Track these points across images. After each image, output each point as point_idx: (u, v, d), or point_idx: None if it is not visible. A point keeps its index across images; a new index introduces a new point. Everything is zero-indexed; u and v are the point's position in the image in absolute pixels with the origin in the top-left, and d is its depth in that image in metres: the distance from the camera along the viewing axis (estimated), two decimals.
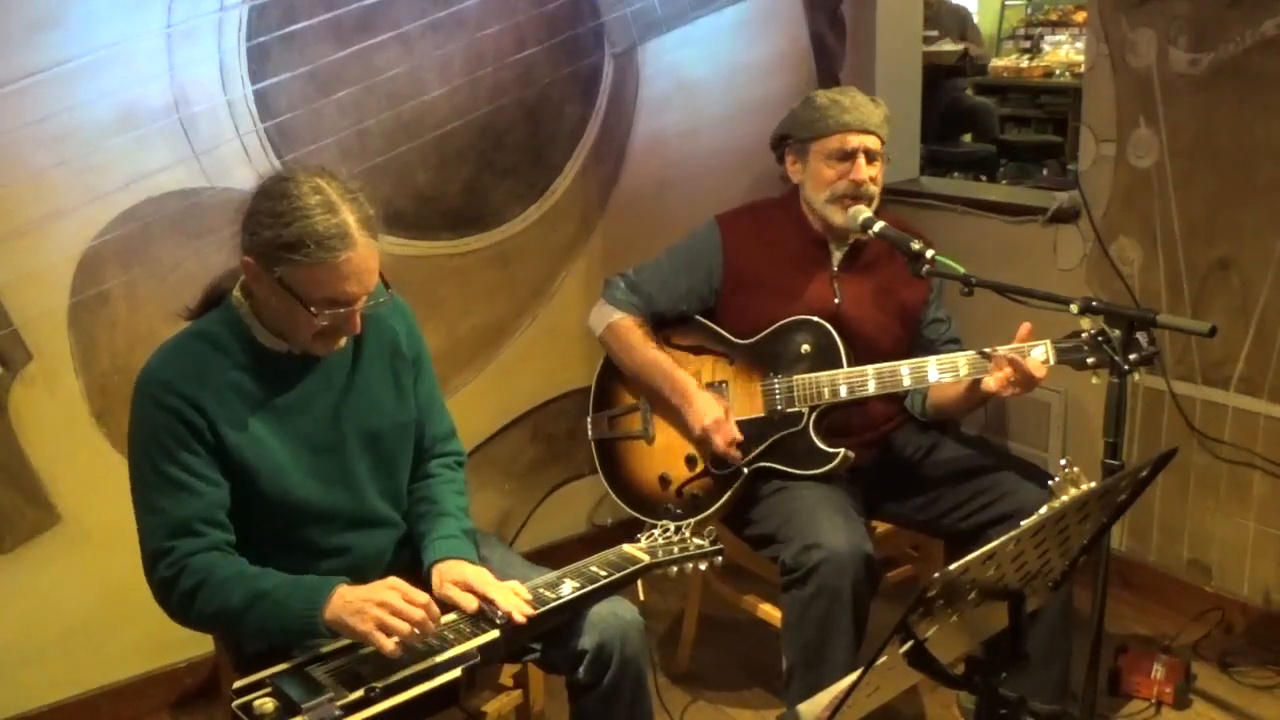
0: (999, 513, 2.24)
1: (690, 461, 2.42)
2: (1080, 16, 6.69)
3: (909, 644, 1.34)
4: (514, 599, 1.73)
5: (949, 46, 5.91)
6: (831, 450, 2.29)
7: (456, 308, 2.90)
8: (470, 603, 1.75)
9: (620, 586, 1.87)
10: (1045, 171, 5.74)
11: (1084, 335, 2.05)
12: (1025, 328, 2.14)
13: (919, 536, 2.56)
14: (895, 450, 2.48)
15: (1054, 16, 7.17)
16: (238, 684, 1.59)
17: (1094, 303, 1.96)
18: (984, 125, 6.08)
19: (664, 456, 2.46)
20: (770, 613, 2.43)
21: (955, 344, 2.43)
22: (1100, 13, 2.88)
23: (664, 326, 2.50)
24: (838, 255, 2.43)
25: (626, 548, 1.96)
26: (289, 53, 2.52)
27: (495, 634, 1.69)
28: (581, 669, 1.82)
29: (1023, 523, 1.38)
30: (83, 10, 2.29)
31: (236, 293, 1.79)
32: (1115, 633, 2.80)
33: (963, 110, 6.04)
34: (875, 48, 3.43)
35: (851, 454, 2.30)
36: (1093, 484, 1.59)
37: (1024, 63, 6.68)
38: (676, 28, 3.10)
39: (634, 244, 2.99)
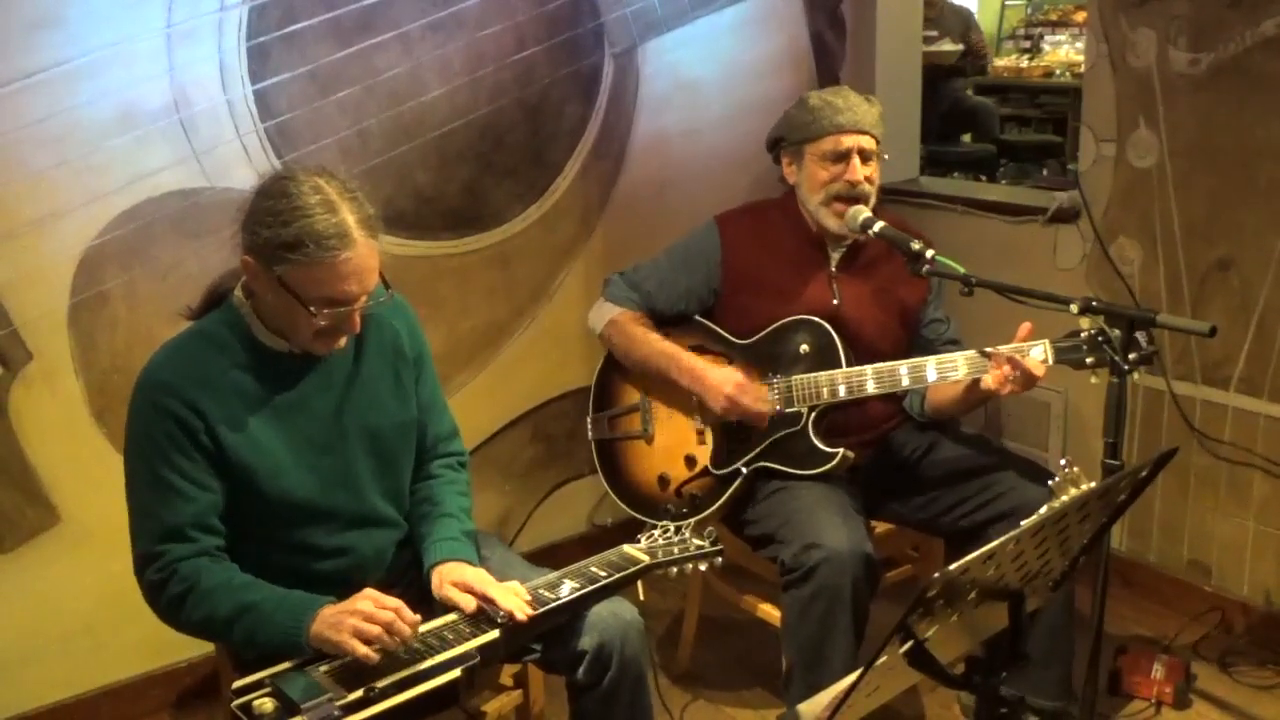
0: (999, 511, 2.24)
1: (690, 461, 2.42)
2: (1080, 16, 6.69)
3: (909, 644, 1.34)
4: (514, 599, 1.73)
5: (949, 46, 5.91)
6: (831, 450, 2.29)
7: (456, 308, 2.90)
8: (469, 603, 1.75)
9: (620, 587, 1.87)
10: (1045, 171, 5.74)
11: (1083, 335, 2.05)
12: (1025, 327, 2.14)
13: (919, 536, 2.56)
14: (894, 450, 2.48)
15: (1054, 16, 7.18)
16: (237, 684, 1.59)
17: (1094, 303, 1.96)
18: (984, 125, 6.09)
19: (663, 456, 2.46)
20: (770, 612, 2.43)
21: (954, 344, 2.43)
22: (1100, 13, 2.88)
23: (663, 327, 2.50)
24: (836, 256, 2.43)
25: (626, 548, 1.96)
26: (289, 53, 2.52)
27: (495, 634, 1.69)
28: (581, 669, 1.82)
29: (1023, 523, 1.38)
30: (83, 10, 2.29)
31: (238, 292, 1.79)
32: (1115, 633, 2.80)
33: (963, 110, 6.04)
34: (875, 48, 3.43)
35: (851, 454, 2.30)
36: (1093, 484, 1.59)
37: (1024, 63, 6.69)
38: (676, 28, 3.10)
39: (634, 244, 2.99)
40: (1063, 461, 1.65)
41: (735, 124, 3.23)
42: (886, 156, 2.43)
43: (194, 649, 2.63)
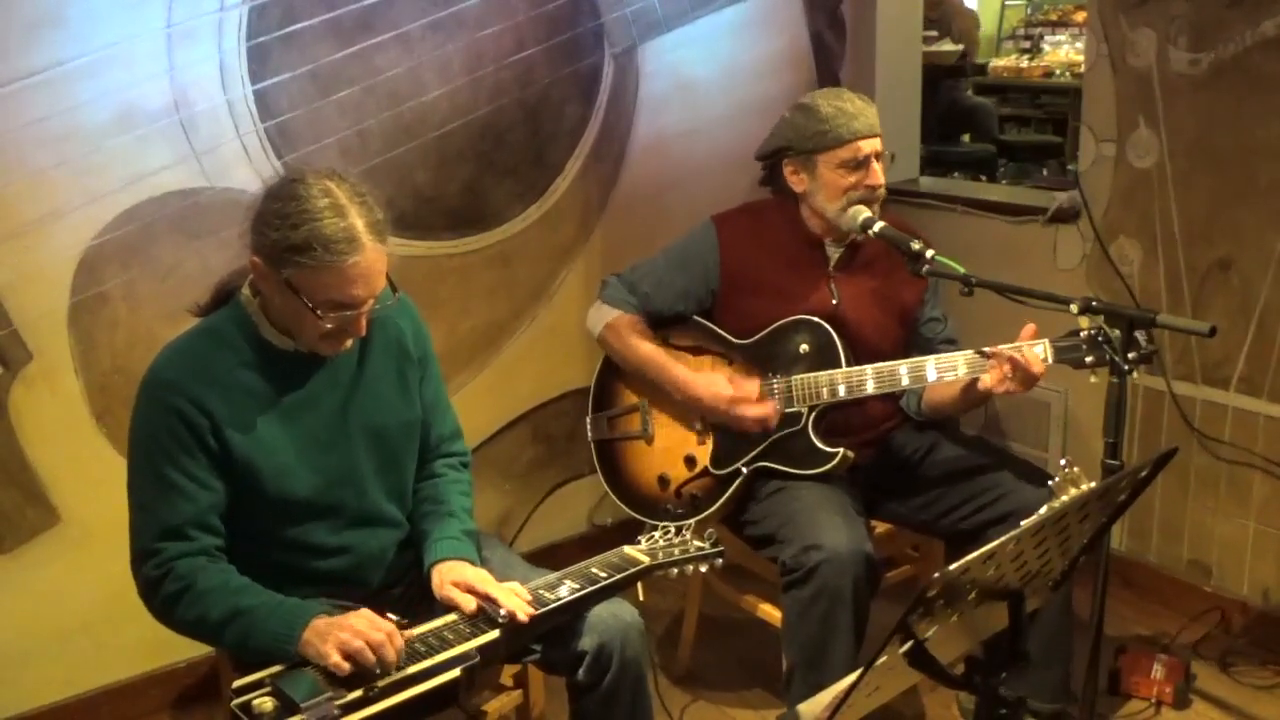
0: (999, 512, 2.24)
1: (690, 462, 2.42)
2: (1080, 16, 6.69)
3: (909, 644, 1.34)
4: (515, 599, 1.73)
5: (949, 46, 5.91)
6: (831, 450, 2.29)
7: (456, 308, 2.90)
8: (469, 603, 1.75)
9: (621, 588, 1.87)
10: (1045, 171, 5.74)
11: (1082, 334, 2.05)
12: (1029, 329, 2.14)
13: (919, 536, 2.56)
14: (895, 450, 2.48)
15: (1054, 16, 7.18)
16: (237, 683, 1.59)
17: (1094, 303, 1.96)
18: (983, 125, 6.09)
19: (663, 457, 2.46)
20: (770, 613, 2.43)
21: (951, 343, 2.43)
22: (1100, 13, 2.88)
23: (663, 327, 2.50)
24: (834, 256, 2.43)
25: (627, 549, 1.96)
26: (289, 53, 2.52)
27: (495, 634, 1.69)
28: (582, 670, 1.82)
29: (1023, 523, 1.38)
30: (83, 10, 2.29)
31: (245, 290, 1.79)
32: (1115, 633, 2.80)
33: (961, 110, 6.05)
34: (875, 48, 3.42)
35: (851, 454, 2.30)
36: (1093, 484, 1.59)
37: (1024, 63, 6.69)
38: (676, 28, 3.10)
39: (634, 244, 2.99)
40: (1063, 461, 1.65)
41: (735, 124, 3.23)
42: (894, 156, 2.42)
43: (194, 649, 2.63)
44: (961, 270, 2.12)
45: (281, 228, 1.64)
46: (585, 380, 2.66)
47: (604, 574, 1.85)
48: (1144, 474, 1.55)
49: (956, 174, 5.43)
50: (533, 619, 1.72)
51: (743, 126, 3.20)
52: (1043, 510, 1.47)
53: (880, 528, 2.48)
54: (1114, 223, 2.94)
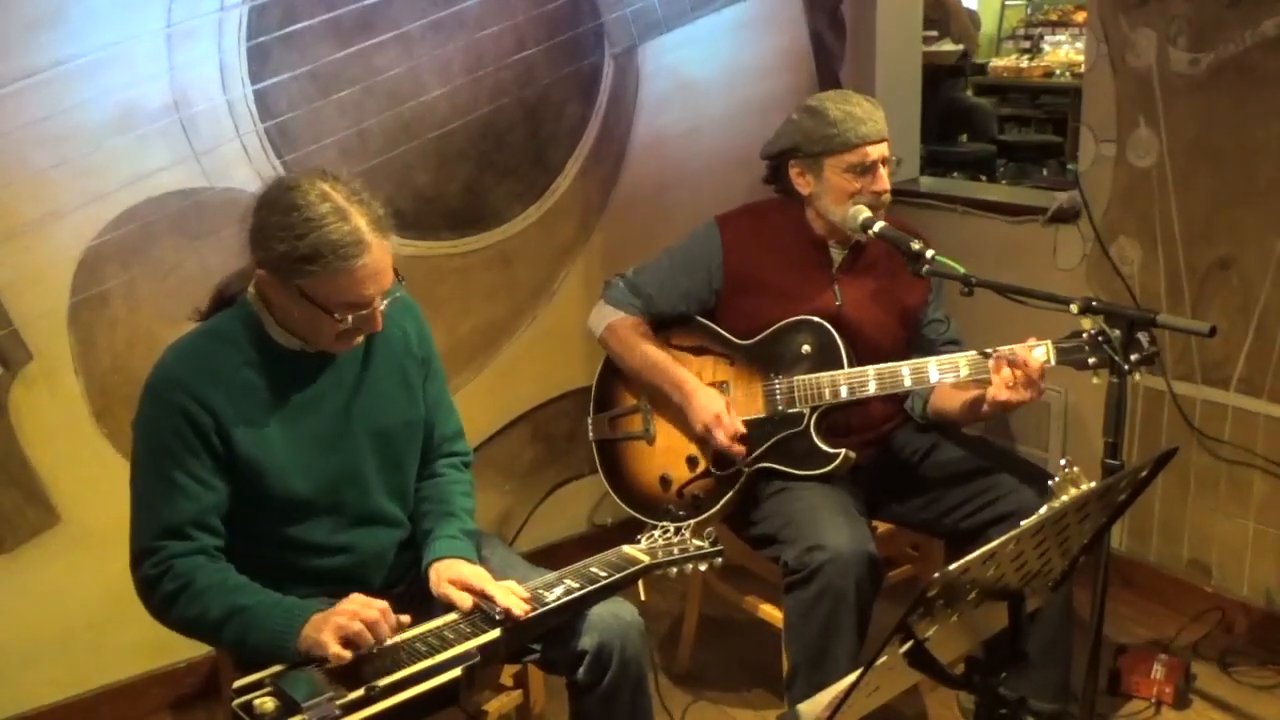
0: (999, 512, 2.24)
1: (691, 462, 2.42)
2: (1080, 16, 6.69)
3: (909, 644, 1.34)
4: (512, 597, 1.73)
5: (949, 46, 5.91)
6: (832, 451, 2.29)
7: (456, 308, 2.90)
8: (466, 601, 1.75)
9: (621, 587, 1.87)
10: (1045, 171, 5.74)
11: (1084, 335, 2.05)
12: (1031, 343, 2.13)
13: (919, 536, 2.56)
14: (895, 450, 2.48)
15: (1054, 16, 7.17)
16: (238, 683, 1.59)
17: (1094, 303, 1.96)
18: (981, 125, 6.08)
19: (665, 457, 2.46)
20: (771, 613, 2.42)
21: (955, 345, 2.43)
22: (1100, 13, 2.88)
23: (665, 327, 2.50)
24: (838, 257, 2.43)
25: (627, 548, 1.96)
26: (289, 53, 2.52)
27: (495, 633, 1.69)
28: (582, 669, 1.82)
29: (1023, 523, 1.38)
30: (83, 10, 2.29)
31: (251, 290, 1.79)
32: (1115, 633, 2.80)
33: (958, 110, 6.04)
34: (875, 48, 3.42)
35: (853, 454, 2.30)
36: (1093, 484, 1.59)
37: (1024, 63, 6.68)
38: (676, 28, 3.10)
39: (634, 244, 2.99)
40: (1063, 461, 1.65)
41: (735, 124, 3.23)
42: (900, 160, 2.42)
43: (194, 649, 2.63)
44: (961, 270, 2.12)
45: (287, 239, 1.64)
46: (585, 380, 2.66)
47: (603, 573, 1.85)
48: (1144, 474, 1.55)
49: (956, 174, 5.43)
50: (532, 618, 1.72)
51: (743, 126, 3.21)
52: (1043, 510, 1.47)
53: (881, 528, 2.48)
54: (1114, 223, 2.94)
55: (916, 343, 2.47)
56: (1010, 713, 1.50)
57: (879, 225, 2.27)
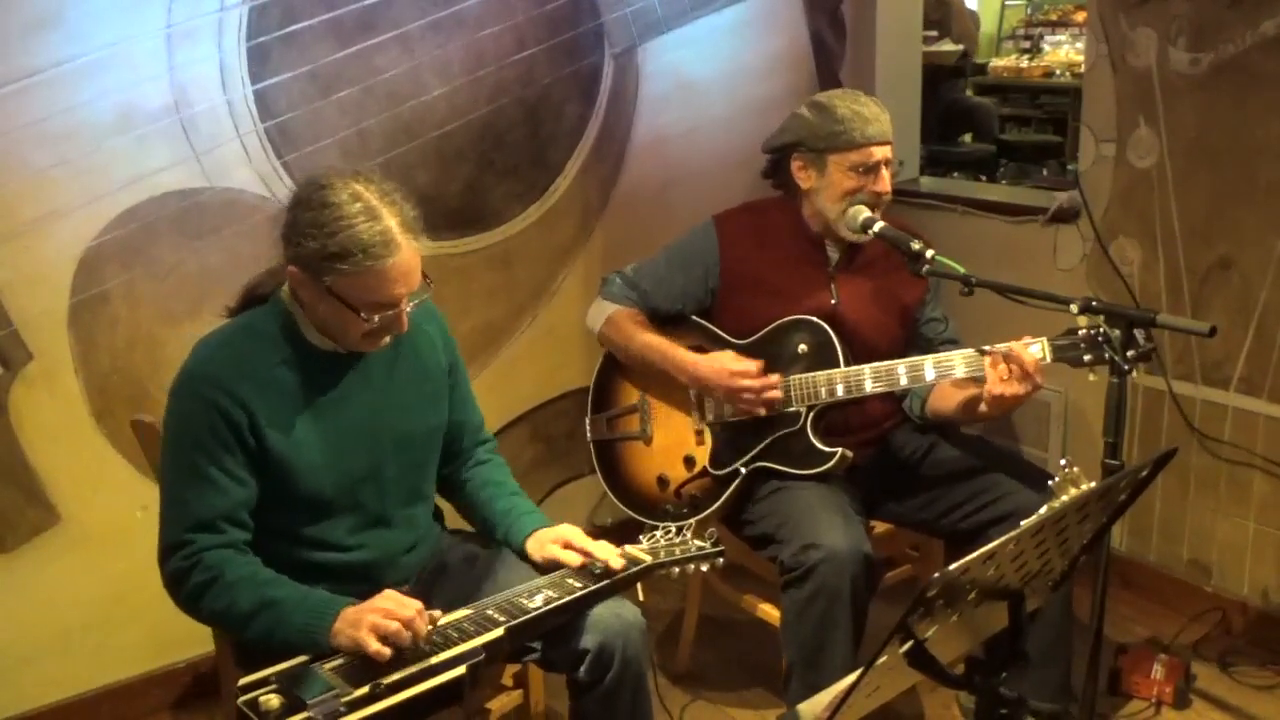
0: (999, 512, 2.24)
1: (689, 462, 2.42)
2: (1080, 16, 6.69)
3: (909, 644, 1.34)
4: (609, 551, 1.85)
5: (949, 46, 5.91)
6: (829, 450, 2.29)
7: (457, 308, 2.90)
8: (574, 559, 1.86)
9: (623, 587, 1.87)
10: (1045, 171, 5.74)
11: (1080, 333, 2.05)
12: (1027, 340, 2.13)
13: (919, 536, 2.56)
14: (894, 450, 2.48)
15: (1054, 16, 7.17)
16: (243, 681, 1.59)
17: (1094, 303, 1.96)
18: (983, 125, 6.09)
19: (662, 457, 2.46)
20: (770, 612, 2.43)
21: (952, 344, 2.42)
22: (1100, 13, 2.88)
23: (662, 326, 2.50)
24: (835, 256, 2.43)
25: (628, 549, 1.96)
26: (289, 53, 2.52)
27: (499, 632, 1.69)
28: (583, 669, 1.82)
29: (1023, 523, 1.38)
30: (82, 10, 2.29)
31: (286, 289, 1.80)
32: (1115, 633, 2.80)
33: (962, 110, 6.05)
34: (875, 48, 3.42)
35: (849, 454, 2.30)
36: (1093, 484, 1.59)
37: (1024, 63, 6.68)
38: (676, 28, 3.10)
39: (634, 244, 2.99)
40: (1063, 461, 1.65)
41: (735, 124, 3.23)
42: (902, 163, 2.42)
43: (194, 649, 2.63)
44: (961, 270, 2.12)
45: (318, 237, 1.66)
46: (585, 380, 2.66)
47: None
48: (1144, 474, 1.55)
49: (956, 174, 5.43)
50: (535, 618, 1.73)
51: (743, 126, 3.21)
52: (1043, 510, 1.47)
53: (880, 528, 2.48)
54: (1114, 223, 2.94)
55: (914, 342, 2.47)
56: (1010, 713, 1.50)
57: (879, 225, 2.27)
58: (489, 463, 2.08)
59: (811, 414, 2.31)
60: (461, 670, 1.62)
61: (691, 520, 2.21)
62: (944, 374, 2.21)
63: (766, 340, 2.38)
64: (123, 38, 2.34)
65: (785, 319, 2.36)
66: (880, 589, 2.22)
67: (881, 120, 2.31)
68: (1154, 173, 2.83)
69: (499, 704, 2.01)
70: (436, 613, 1.70)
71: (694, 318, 2.48)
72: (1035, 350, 2.10)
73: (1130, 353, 1.91)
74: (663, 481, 2.44)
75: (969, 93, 6.32)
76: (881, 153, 2.31)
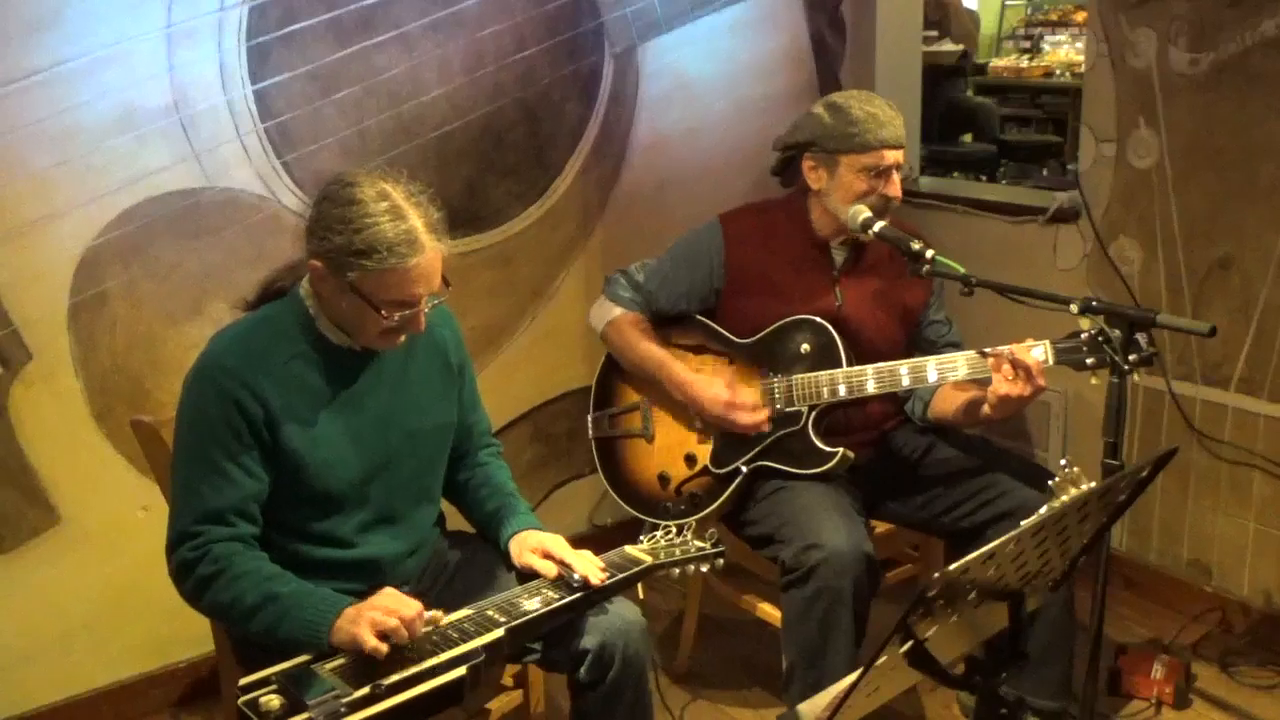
0: (999, 512, 2.24)
1: (690, 460, 2.42)
2: (1080, 16, 6.69)
3: (909, 644, 1.34)
4: (590, 565, 1.82)
5: (949, 46, 5.91)
6: (830, 450, 2.29)
7: (456, 308, 2.86)
8: (550, 569, 1.83)
9: (623, 587, 1.87)
10: (1045, 171, 5.74)
11: (1083, 335, 2.05)
12: (1029, 343, 2.14)
13: (919, 536, 2.56)
14: (894, 450, 2.48)
15: (1054, 16, 7.17)
16: (244, 681, 1.59)
17: (1094, 303, 1.96)
18: (984, 125, 6.08)
19: (664, 455, 2.46)
20: (770, 612, 2.43)
21: (955, 347, 2.42)
22: (1100, 13, 2.88)
23: (665, 325, 2.50)
24: (839, 257, 2.43)
25: (629, 549, 1.97)
26: (289, 53, 2.52)
27: (500, 633, 1.69)
28: (583, 669, 1.83)
29: (1023, 523, 1.38)
30: (82, 10, 2.29)
31: (305, 284, 1.81)
32: (1115, 633, 2.80)
33: (962, 110, 6.04)
34: (875, 48, 3.42)
35: (851, 454, 2.30)
36: (1093, 484, 1.59)
37: (1024, 63, 6.68)
38: (677, 27, 3.10)
39: (634, 244, 2.99)
40: (1063, 461, 1.65)
41: (735, 124, 3.23)
42: (910, 166, 2.42)
43: (194, 649, 2.63)
44: (962, 270, 2.12)
45: (344, 232, 1.67)
46: (585, 380, 2.66)
47: (610, 575, 1.85)
48: (1144, 474, 1.55)
49: (956, 174, 5.42)
50: (535, 618, 1.73)
51: (743, 126, 3.21)
52: (1043, 510, 1.47)
53: (880, 528, 2.48)
54: (1114, 223, 2.94)
55: (917, 344, 2.47)
56: (1010, 713, 1.50)
57: (879, 225, 2.27)
58: (489, 464, 2.09)
59: (813, 414, 2.31)
60: (462, 671, 1.62)
61: (692, 520, 2.21)
62: (946, 375, 2.21)
63: (769, 339, 2.38)
64: (123, 38, 2.34)
65: (789, 319, 2.36)
66: (881, 589, 2.22)
67: (895, 124, 2.31)
68: (1154, 173, 2.83)
69: (499, 704, 2.01)
70: (438, 613, 1.70)
71: (698, 317, 2.48)
72: (1038, 353, 2.11)
73: (1132, 356, 1.91)
74: (664, 479, 2.44)
75: (969, 93, 6.32)
76: (894, 156, 2.31)
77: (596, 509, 3.27)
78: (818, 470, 2.29)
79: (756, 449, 2.34)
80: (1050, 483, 1.66)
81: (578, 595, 1.80)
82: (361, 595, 1.71)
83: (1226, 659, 2.74)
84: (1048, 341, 2.11)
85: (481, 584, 1.92)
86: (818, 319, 2.34)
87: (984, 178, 5.46)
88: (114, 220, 2.40)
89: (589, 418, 2.57)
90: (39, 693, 2.51)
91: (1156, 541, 3.02)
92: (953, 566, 1.25)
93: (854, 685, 1.32)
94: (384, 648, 1.60)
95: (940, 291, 2.49)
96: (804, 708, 1.61)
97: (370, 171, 1.75)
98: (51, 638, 2.50)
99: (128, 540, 2.49)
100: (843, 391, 2.28)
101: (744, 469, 2.35)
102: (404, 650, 1.63)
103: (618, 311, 2.49)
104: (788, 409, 2.33)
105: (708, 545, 2.01)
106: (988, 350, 2.14)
